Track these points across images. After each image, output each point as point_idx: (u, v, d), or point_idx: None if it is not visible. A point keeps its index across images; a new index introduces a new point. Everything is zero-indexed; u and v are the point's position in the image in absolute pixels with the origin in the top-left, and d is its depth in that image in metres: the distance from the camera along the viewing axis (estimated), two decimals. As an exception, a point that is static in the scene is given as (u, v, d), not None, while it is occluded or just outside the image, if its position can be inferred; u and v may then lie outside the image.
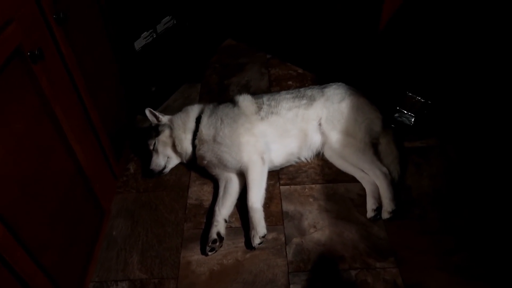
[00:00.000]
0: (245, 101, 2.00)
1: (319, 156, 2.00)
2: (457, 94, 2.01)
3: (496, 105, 1.93)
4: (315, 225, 1.71)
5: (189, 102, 2.33)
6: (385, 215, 1.71)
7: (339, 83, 2.09)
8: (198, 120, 1.97)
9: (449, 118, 2.07)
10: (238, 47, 2.80)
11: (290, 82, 2.50)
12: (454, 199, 1.76)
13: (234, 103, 2.00)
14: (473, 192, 1.78)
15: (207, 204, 1.85)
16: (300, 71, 2.56)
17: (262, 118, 1.93)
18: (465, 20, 1.84)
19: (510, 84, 1.81)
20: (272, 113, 1.95)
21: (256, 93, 2.19)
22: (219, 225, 1.70)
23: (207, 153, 1.87)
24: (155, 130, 1.99)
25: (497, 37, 1.79)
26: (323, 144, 1.96)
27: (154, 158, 1.96)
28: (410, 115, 2.10)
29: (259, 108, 1.96)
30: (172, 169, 2.01)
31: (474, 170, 1.87)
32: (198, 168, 1.98)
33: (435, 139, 2.05)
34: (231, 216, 1.78)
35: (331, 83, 2.10)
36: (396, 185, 1.79)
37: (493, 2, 1.74)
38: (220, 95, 2.41)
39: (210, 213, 1.78)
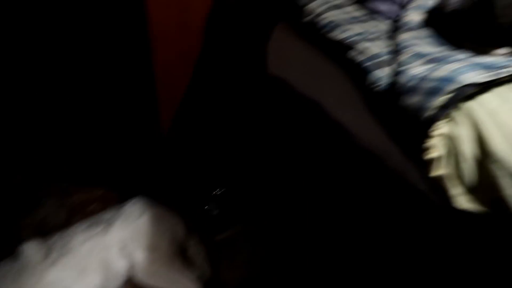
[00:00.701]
0: (29, 249, 1.78)
1: (130, 282, 1.86)
2: (244, 180, 2.21)
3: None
4: None
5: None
6: (202, 324, 1.65)
7: (137, 199, 2.07)
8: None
9: (247, 202, 2.24)
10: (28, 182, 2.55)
11: (93, 206, 2.34)
12: (265, 284, 1.83)
13: (16, 256, 1.75)
14: (282, 271, 1.88)
15: None
16: (101, 192, 2.45)
17: (53, 263, 1.73)
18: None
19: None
20: (64, 253, 1.77)
21: (55, 229, 1.97)
22: None
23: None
24: None
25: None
26: (131, 267, 1.85)
27: None
28: (215, 208, 2.19)
29: (49, 252, 1.76)
30: None
31: (279, 249, 2.01)
32: None
33: (241, 226, 2.16)
34: None
35: (129, 200, 2.06)
36: (212, 284, 1.78)
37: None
38: (8, 247, 2.07)
39: None
